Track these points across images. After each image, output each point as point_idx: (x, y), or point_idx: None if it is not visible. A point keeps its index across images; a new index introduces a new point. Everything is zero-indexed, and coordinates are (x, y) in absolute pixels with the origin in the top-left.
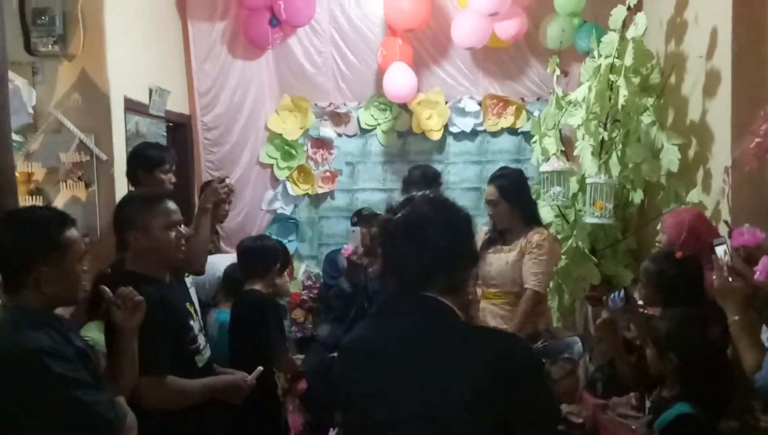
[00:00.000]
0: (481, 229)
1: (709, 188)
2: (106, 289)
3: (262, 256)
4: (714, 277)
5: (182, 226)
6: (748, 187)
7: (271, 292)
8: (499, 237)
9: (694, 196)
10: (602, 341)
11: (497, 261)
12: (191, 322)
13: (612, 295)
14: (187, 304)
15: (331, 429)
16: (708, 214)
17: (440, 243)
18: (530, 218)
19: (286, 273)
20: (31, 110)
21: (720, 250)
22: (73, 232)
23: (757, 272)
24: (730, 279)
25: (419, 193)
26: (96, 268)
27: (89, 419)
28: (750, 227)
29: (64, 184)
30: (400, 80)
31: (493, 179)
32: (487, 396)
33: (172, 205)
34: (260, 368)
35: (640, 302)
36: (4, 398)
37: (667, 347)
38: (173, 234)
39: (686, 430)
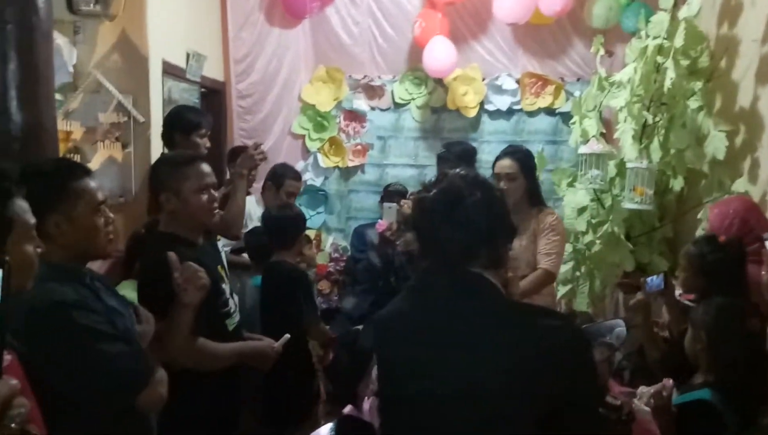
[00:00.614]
0: None
1: (756, 178)
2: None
3: (289, 226)
4: (763, 271)
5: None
6: None
7: (299, 262)
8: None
9: (740, 185)
10: (631, 329)
11: (515, 245)
12: (223, 286)
13: (650, 278)
14: (219, 268)
15: (366, 398)
16: None
17: (479, 218)
18: (536, 198)
19: (313, 244)
20: (71, 69)
21: None
22: (86, 182)
23: None
24: None
25: (452, 171)
26: (131, 229)
27: (114, 370)
28: None
29: (102, 144)
30: (440, 54)
31: (509, 154)
32: (534, 373)
33: (205, 167)
34: (287, 336)
35: (678, 291)
36: (32, 351)
37: (705, 332)
38: (205, 197)
39: (700, 415)
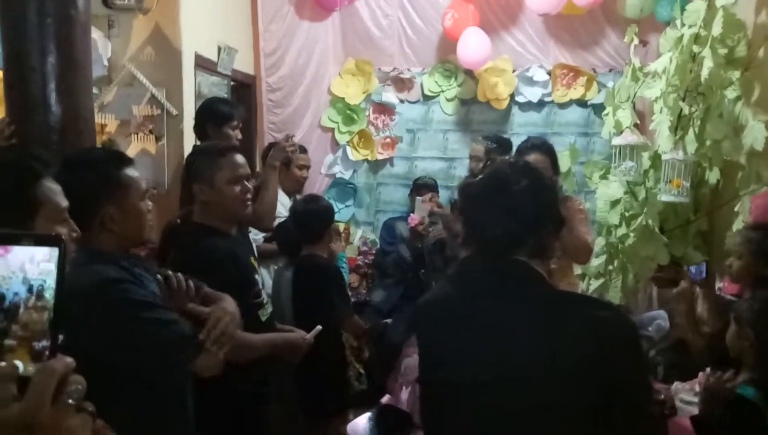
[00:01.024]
0: None
1: None
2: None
3: (316, 220)
4: None
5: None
6: None
7: (328, 256)
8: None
9: None
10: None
11: None
12: (256, 277)
13: (693, 268)
14: (252, 259)
15: (404, 388)
16: None
17: (526, 205)
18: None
19: (342, 238)
20: (106, 62)
21: None
22: (132, 170)
23: None
24: None
25: (500, 158)
26: (164, 221)
27: (170, 335)
28: None
29: (135, 136)
30: (474, 46)
31: (537, 148)
32: (585, 363)
33: (239, 158)
34: (319, 327)
35: (718, 284)
36: (82, 333)
37: (751, 328)
38: (238, 188)
39: (740, 412)
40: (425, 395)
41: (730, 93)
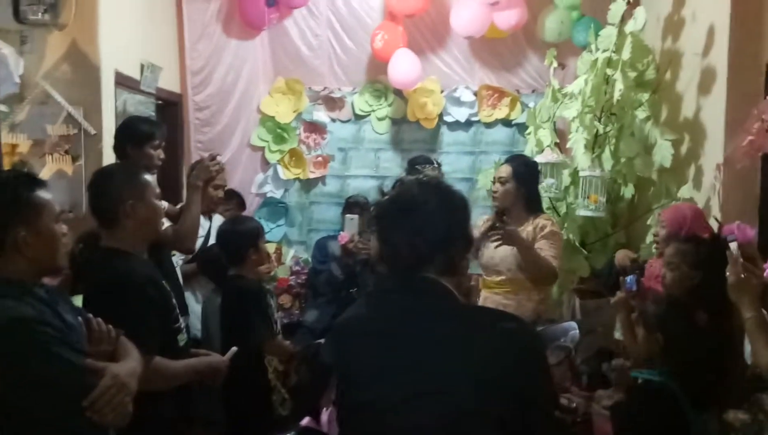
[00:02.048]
0: (481, 218)
1: (700, 185)
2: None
3: (236, 240)
4: (728, 273)
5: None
6: (739, 184)
7: (255, 277)
8: (502, 225)
9: (686, 192)
10: (589, 334)
11: (502, 248)
12: (174, 301)
13: (627, 278)
14: (165, 282)
15: (324, 409)
16: None
17: (433, 225)
18: (534, 207)
19: (273, 258)
20: (17, 80)
21: (733, 246)
22: (44, 192)
23: (767, 270)
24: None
25: (411, 177)
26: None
27: (67, 381)
28: (741, 224)
29: (50, 157)
30: (405, 67)
31: (510, 160)
32: (497, 374)
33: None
34: (234, 348)
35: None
36: None
37: (656, 329)
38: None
39: (648, 389)
40: (343, 417)
41: (641, 113)
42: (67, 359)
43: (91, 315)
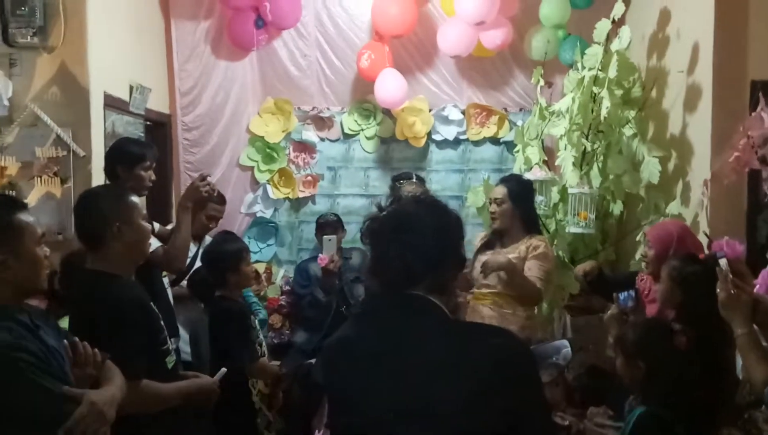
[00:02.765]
0: (478, 235)
1: (688, 201)
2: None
3: (223, 261)
4: (718, 289)
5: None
6: (727, 200)
7: (239, 298)
8: (498, 240)
9: (674, 208)
10: (581, 350)
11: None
12: (161, 323)
13: (622, 294)
14: (153, 304)
15: (317, 431)
16: None
17: (426, 242)
18: (531, 226)
19: (263, 277)
20: (6, 102)
21: (723, 263)
22: (25, 215)
23: (757, 285)
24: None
25: (408, 194)
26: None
27: (40, 410)
28: (730, 240)
29: (39, 179)
30: (391, 86)
31: (504, 181)
32: (490, 390)
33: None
34: (224, 370)
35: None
36: None
37: (636, 355)
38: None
39: (645, 425)
40: None
41: (628, 130)
42: (43, 386)
43: (76, 338)
